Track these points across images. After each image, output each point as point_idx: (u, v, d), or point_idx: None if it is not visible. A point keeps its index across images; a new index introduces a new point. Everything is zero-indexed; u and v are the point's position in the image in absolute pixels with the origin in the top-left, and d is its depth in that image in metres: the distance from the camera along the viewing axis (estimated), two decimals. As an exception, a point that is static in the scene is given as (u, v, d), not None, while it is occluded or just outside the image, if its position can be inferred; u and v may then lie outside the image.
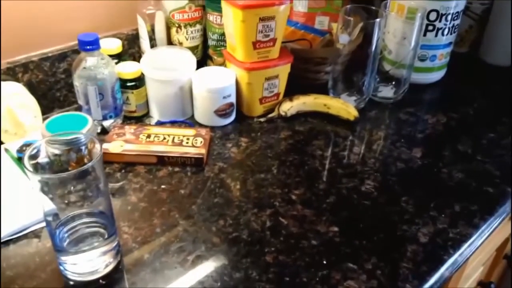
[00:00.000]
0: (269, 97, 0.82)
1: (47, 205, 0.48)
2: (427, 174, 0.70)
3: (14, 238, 0.56)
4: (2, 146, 0.69)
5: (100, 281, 0.51)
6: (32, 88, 0.75)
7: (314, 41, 0.92)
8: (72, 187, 0.49)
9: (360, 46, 0.81)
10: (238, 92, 0.80)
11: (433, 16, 0.88)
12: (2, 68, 0.73)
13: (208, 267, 0.53)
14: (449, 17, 0.89)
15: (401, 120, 0.84)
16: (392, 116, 0.85)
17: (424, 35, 0.89)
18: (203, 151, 0.70)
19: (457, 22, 0.91)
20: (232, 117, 0.81)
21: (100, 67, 0.70)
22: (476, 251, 0.66)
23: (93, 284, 0.50)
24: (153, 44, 0.84)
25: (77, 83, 0.71)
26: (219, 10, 0.81)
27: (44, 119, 0.71)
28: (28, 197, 0.60)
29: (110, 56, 0.75)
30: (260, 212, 0.61)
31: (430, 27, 0.89)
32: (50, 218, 0.49)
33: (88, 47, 0.68)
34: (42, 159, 0.53)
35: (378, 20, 0.78)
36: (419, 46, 0.88)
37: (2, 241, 0.55)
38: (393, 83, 0.88)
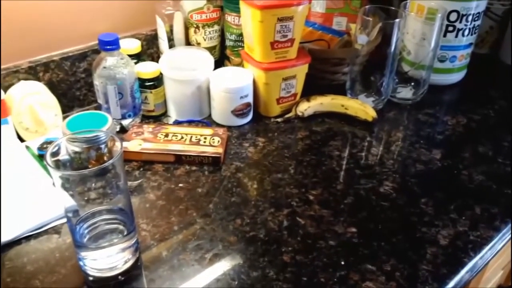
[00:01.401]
0: (286, 97, 0.82)
1: (68, 201, 0.49)
2: (447, 175, 0.69)
3: (35, 233, 0.57)
4: (24, 143, 0.70)
5: (119, 277, 0.51)
6: (52, 87, 0.76)
7: (332, 41, 0.92)
8: (92, 184, 0.49)
9: (379, 47, 0.81)
10: (255, 92, 0.80)
11: (453, 16, 0.87)
12: (24, 67, 0.74)
13: (225, 265, 0.53)
14: (470, 18, 0.87)
15: (420, 121, 0.83)
16: (411, 117, 0.84)
17: (444, 35, 0.88)
18: (220, 150, 0.70)
19: (477, 23, 0.89)
20: (249, 117, 0.81)
21: (119, 66, 0.71)
22: (496, 255, 0.65)
23: (112, 280, 0.51)
24: (171, 45, 0.85)
25: (97, 82, 0.72)
26: (237, 10, 0.81)
27: (64, 118, 0.72)
28: (49, 193, 0.61)
29: (129, 56, 0.76)
30: (277, 212, 0.61)
31: (450, 28, 0.88)
32: (70, 215, 0.50)
33: (108, 47, 0.69)
34: (63, 156, 0.54)
35: (397, 20, 0.77)
36: (439, 47, 0.87)
37: (23, 236, 0.56)
38: (412, 84, 0.87)
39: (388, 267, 0.53)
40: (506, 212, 0.63)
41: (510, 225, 0.61)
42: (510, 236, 0.61)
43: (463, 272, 0.54)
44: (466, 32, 0.88)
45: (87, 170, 0.46)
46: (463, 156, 0.73)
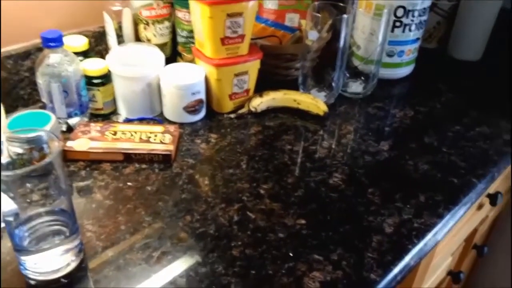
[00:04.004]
0: (239, 93, 0.82)
1: (7, 204, 0.47)
2: (393, 166, 0.71)
3: (-26, 239, 0.54)
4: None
5: (62, 280, 0.50)
6: (-6, 86, 0.74)
7: (284, 38, 0.93)
8: (33, 186, 0.48)
9: (329, 43, 0.82)
10: (208, 88, 0.80)
11: (400, 12, 0.90)
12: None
13: (174, 263, 0.53)
14: (416, 13, 0.90)
15: (369, 114, 0.85)
16: (361, 111, 0.85)
17: (392, 31, 0.90)
18: (171, 147, 0.69)
19: (424, 18, 0.92)
20: (202, 114, 0.80)
21: (63, 64, 0.69)
22: (443, 241, 0.68)
23: (54, 283, 0.49)
24: (120, 41, 0.83)
25: (40, 80, 0.69)
26: (187, 6, 0.81)
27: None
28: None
29: (76, 53, 0.74)
30: (228, 207, 0.61)
31: (398, 23, 0.90)
32: (10, 218, 0.48)
33: (51, 44, 0.67)
34: (4, 159, 0.52)
35: (346, 16, 0.78)
36: (387, 42, 0.89)
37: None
38: (362, 78, 0.89)
39: (335, 256, 0.54)
40: (450, 200, 0.65)
41: (452, 211, 0.63)
42: (453, 223, 0.64)
43: (407, 258, 0.56)
44: (413, 27, 0.91)
45: (22, 170, 0.44)
46: (410, 147, 0.75)
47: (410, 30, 0.91)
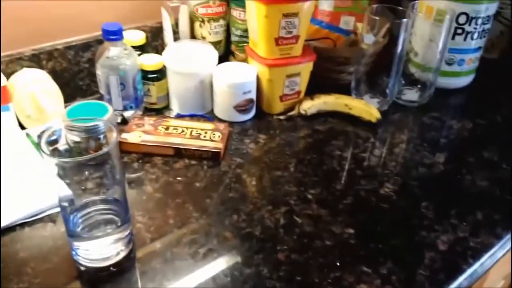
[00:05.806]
0: (290, 95, 0.81)
1: (63, 190, 0.48)
2: (449, 180, 0.68)
3: (30, 221, 0.56)
4: (24, 131, 0.70)
5: (111, 268, 0.51)
6: (55, 75, 0.76)
7: (338, 40, 0.91)
8: (89, 174, 0.49)
9: (386, 47, 0.80)
10: (259, 88, 0.79)
11: (462, 19, 0.86)
12: (27, 54, 0.74)
13: (219, 261, 0.53)
14: (479, 21, 0.86)
15: (425, 124, 0.81)
16: (416, 120, 0.82)
17: (453, 38, 0.87)
18: (221, 145, 0.69)
19: (487, 26, 0.88)
20: (252, 113, 0.80)
21: (122, 57, 0.70)
22: (498, 263, 0.64)
23: (104, 270, 0.50)
24: (176, 38, 0.84)
25: (99, 72, 0.71)
26: (243, 5, 0.81)
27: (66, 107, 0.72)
28: (46, 182, 0.61)
29: (134, 47, 0.76)
30: (274, 209, 0.60)
31: (459, 31, 0.86)
32: (65, 204, 0.49)
33: (111, 36, 0.69)
34: (62, 146, 0.54)
35: (405, 20, 0.76)
36: (447, 49, 0.85)
37: (18, 223, 0.56)
38: (419, 86, 0.86)
39: (384, 270, 0.52)
40: (509, 219, 0.61)
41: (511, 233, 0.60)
42: (511, 244, 0.60)
43: (461, 278, 0.53)
44: (475, 35, 0.87)
45: (80, 157, 0.45)
46: (467, 161, 0.72)
47: (472, 38, 0.87)
